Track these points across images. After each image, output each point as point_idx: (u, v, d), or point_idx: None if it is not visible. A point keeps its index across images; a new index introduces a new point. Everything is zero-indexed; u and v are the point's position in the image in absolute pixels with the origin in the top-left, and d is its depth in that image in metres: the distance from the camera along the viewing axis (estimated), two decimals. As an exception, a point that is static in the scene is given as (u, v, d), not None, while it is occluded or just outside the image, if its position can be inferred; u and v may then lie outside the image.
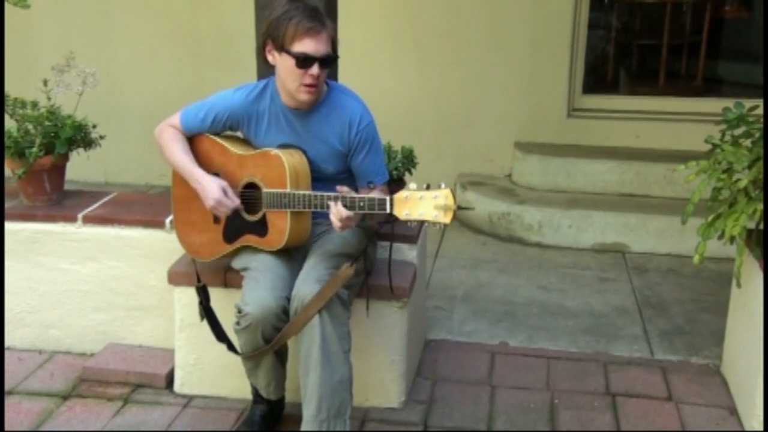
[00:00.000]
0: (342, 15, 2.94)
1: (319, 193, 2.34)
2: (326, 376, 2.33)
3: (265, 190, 2.44)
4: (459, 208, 2.14)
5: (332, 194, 2.30)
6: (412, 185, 2.16)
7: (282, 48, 2.37)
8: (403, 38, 4.90)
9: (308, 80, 2.37)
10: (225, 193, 2.46)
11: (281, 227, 2.44)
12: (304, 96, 2.41)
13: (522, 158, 4.81)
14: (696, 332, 3.37)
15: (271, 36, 2.40)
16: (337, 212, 2.26)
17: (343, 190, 2.28)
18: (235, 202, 2.48)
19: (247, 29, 3.05)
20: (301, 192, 2.36)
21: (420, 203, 2.14)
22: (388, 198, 2.20)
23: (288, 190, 2.38)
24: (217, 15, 5.06)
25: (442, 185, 2.14)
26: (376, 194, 2.27)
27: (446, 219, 2.12)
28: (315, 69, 2.36)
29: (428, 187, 2.15)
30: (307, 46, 2.35)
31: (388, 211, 2.20)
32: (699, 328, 3.40)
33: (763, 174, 2.53)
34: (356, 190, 2.54)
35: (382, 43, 4.88)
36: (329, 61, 2.40)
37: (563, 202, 4.50)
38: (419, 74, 4.93)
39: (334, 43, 2.43)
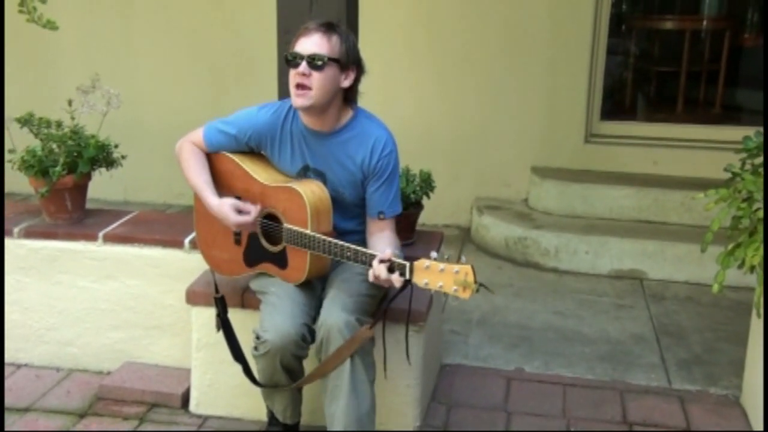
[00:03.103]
0: (361, 39, 2.96)
1: (340, 243, 2.30)
2: (354, 405, 2.33)
3: (285, 225, 2.43)
4: (479, 287, 2.10)
5: (356, 248, 2.27)
6: (433, 254, 2.14)
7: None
8: (421, 62, 4.93)
9: (296, 79, 2.33)
10: (239, 210, 2.45)
11: (301, 265, 2.43)
12: (295, 100, 2.37)
13: (539, 183, 4.81)
14: (715, 362, 3.34)
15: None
16: (376, 272, 2.21)
17: (387, 254, 2.21)
18: (252, 212, 2.44)
19: (268, 50, 3.09)
20: (322, 237, 2.33)
21: (440, 275, 2.11)
22: (408, 264, 2.17)
23: (308, 231, 2.36)
24: (239, 36, 5.12)
25: (463, 258, 2.12)
26: (388, 250, 2.24)
27: (465, 295, 2.09)
28: (302, 67, 2.30)
29: (449, 260, 2.12)
30: (297, 45, 2.34)
31: (407, 277, 2.18)
32: (718, 358, 3.37)
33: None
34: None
35: (401, 67, 4.91)
36: (318, 63, 2.30)
37: (580, 228, 4.49)
38: (437, 98, 4.96)
39: (340, 52, 2.34)
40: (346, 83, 2.41)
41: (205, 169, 2.57)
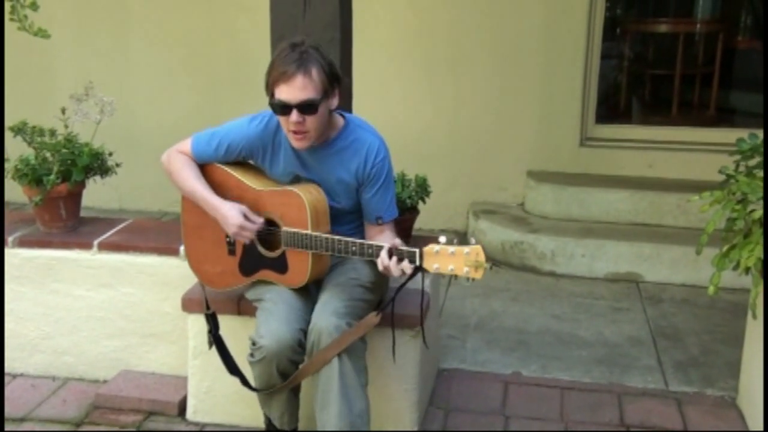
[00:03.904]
0: (356, 45, 2.97)
1: (343, 239, 2.31)
2: (345, 410, 2.31)
3: (284, 229, 2.42)
4: (492, 265, 2.12)
5: (361, 241, 2.28)
6: (442, 239, 2.15)
7: (269, 95, 2.34)
8: (416, 68, 4.93)
9: (291, 127, 2.32)
10: (246, 217, 2.45)
11: (302, 267, 2.42)
12: (292, 142, 2.37)
13: (535, 187, 4.81)
14: (711, 363, 3.34)
15: (266, 80, 2.36)
16: (385, 263, 2.22)
17: (396, 243, 2.23)
18: (257, 222, 2.45)
19: (263, 58, 3.07)
20: (324, 236, 2.33)
21: (451, 258, 2.12)
22: (417, 251, 2.18)
23: (309, 231, 2.36)
24: (233, 43, 5.12)
25: (473, 240, 2.13)
26: (396, 240, 2.26)
27: (477, 275, 2.10)
28: (293, 116, 2.27)
29: (458, 242, 2.13)
30: (281, 92, 2.28)
31: (417, 263, 2.19)
32: (714, 360, 3.37)
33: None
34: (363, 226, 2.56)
35: (396, 73, 4.92)
36: (309, 108, 2.28)
37: (576, 231, 4.49)
38: (432, 103, 4.96)
39: (324, 84, 2.29)
40: (334, 104, 2.39)
41: (202, 177, 2.55)
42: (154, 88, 5.32)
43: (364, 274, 2.50)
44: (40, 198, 3.05)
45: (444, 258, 2.14)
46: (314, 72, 2.28)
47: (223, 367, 2.61)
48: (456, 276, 2.14)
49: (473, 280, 2.13)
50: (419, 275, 2.31)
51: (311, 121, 2.31)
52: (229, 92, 5.12)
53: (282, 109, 2.30)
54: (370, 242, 2.29)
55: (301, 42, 2.33)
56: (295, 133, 2.33)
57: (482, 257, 2.09)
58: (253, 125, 2.52)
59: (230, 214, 2.44)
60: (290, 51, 2.30)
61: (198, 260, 2.68)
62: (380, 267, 2.24)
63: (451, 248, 2.12)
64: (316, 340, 2.33)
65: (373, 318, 2.35)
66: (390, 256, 2.22)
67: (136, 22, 5.25)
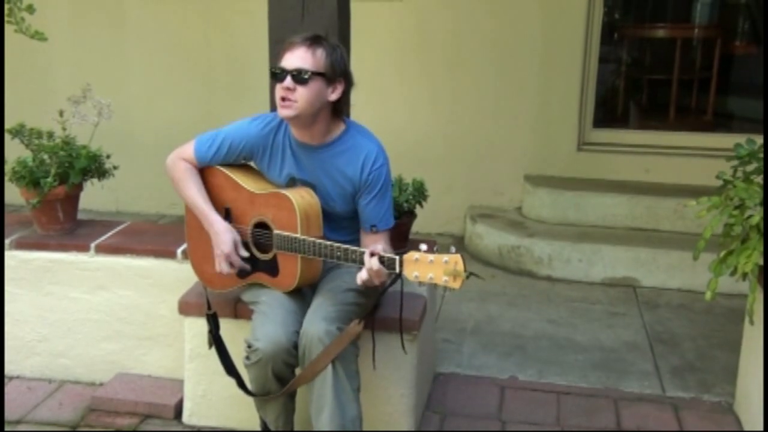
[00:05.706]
0: (353, 49, 2.97)
1: (329, 243, 2.32)
2: (338, 415, 2.33)
3: (275, 231, 2.44)
4: (469, 275, 2.11)
5: (345, 246, 2.28)
6: (423, 246, 2.15)
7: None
8: (413, 72, 4.94)
9: (280, 93, 2.35)
10: (236, 248, 2.48)
11: (292, 271, 2.44)
12: (280, 111, 2.38)
13: (532, 191, 4.81)
14: (708, 369, 3.34)
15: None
16: (368, 265, 2.22)
17: (377, 249, 2.23)
18: (239, 264, 2.49)
19: (260, 61, 3.09)
20: (311, 239, 2.35)
21: (430, 267, 2.12)
22: (397, 258, 2.18)
23: (299, 234, 2.37)
24: (232, 46, 5.13)
25: (453, 249, 2.12)
26: (382, 246, 2.26)
27: (455, 284, 2.09)
28: (286, 81, 2.33)
29: (438, 250, 2.13)
30: (283, 60, 2.36)
31: (397, 271, 2.19)
32: (711, 365, 3.38)
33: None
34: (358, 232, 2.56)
35: (393, 77, 4.92)
36: (303, 77, 2.32)
37: (573, 236, 4.49)
38: (430, 107, 4.96)
39: (325, 65, 2.35)
40: (333, 96, 2.40)
41: (203, 189, 2.58)
42: (152, 90, 5.32)
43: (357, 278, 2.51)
44: (38, 200, 3.05)
45: (423, 266, 2.13)
46: (319, 51, 2.35)
47: (219, 371, 2.61)
48: (435, 285, 2.14)
49: (452, 290, 2.12)
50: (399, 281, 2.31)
51: (301, 93, 2.33)
52: (227, 96, 5.13)
53: (278, 74, 2.35)
54: (354, 248, 2.29)
55: (324, 35, 2.42)
56: (282, 99, 2.35)
57: (461, 266, 2.08)
58: (254, 125, 2.56)
59: (223, 239, 2.48)
60: (309, 34, 2.39)
61: (199, 260, 2.70)
62: (364, 272, 2.23)
63: (431, 256, 2.12)
64: (307, 345, 2.33)
65: (356, 326, 2.35)
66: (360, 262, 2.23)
67: (134, 25, 5.25)
